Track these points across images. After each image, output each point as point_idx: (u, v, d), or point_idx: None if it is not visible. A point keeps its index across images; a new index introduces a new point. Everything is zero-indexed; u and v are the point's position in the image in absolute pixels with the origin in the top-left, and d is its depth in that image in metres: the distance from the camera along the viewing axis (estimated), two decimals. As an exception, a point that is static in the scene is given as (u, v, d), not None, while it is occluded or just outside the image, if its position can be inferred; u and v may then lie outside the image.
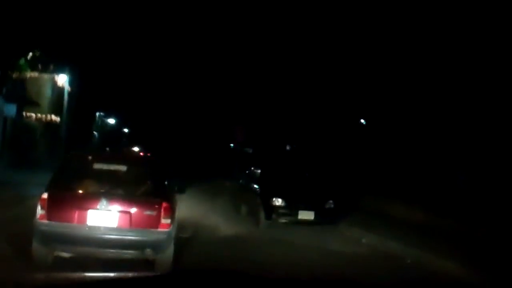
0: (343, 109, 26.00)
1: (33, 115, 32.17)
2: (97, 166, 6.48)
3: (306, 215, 11.35)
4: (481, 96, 16.98)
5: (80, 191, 6.34)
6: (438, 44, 18.98)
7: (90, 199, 6.07)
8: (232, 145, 44.20)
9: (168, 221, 5.97)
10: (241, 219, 13.13)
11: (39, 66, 32.94)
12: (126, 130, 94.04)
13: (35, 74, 32.71)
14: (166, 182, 6.77)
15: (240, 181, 14.19)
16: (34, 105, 29.71)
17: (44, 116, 32.64)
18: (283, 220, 11.58)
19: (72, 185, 6.37)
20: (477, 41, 17.16)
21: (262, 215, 11.55)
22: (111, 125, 67.64)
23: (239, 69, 32.83)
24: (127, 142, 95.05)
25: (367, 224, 12.20)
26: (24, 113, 31.39)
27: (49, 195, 5.93)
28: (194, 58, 38.41)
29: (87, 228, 5.89)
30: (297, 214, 11.36)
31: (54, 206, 5.89)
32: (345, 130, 25.87)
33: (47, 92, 33.59)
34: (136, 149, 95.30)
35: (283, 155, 16.27)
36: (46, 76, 33.36)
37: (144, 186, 6.50)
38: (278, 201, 11.48)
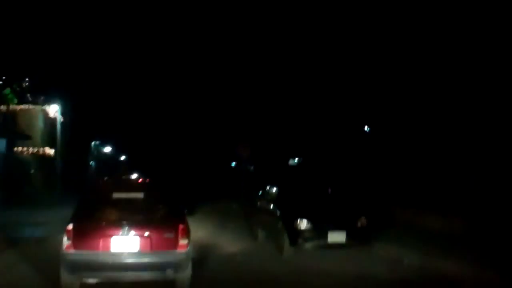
0: (347, 116, 25.18)
1: (25, 148, 30.78)
2: (115, 195, 6.86)
3: (336, 236, 9.89)
4: (486, 98, 16.29)
5: (102, 220, 6.63)
6: (446, 46, 18.36)
7: (112, 226, 6.40)
8: (233, 163, 42.15)
9: (186, 241, 6.42)
10: (259, 247, 11.56)
11: (29, 97, 31.71)
12: (122, 157, 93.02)
13: (25, 106, 31.44)
14: (179, 205, 7.18)
15: (255, 201, 12.64)
16: (26, 138, 28.27)
17: (37, 149, 31.24)
18: (310, 245, 10.04)
19: (94, 214, 6.69)
20: (487, 42, 16.44)
21: (286, 240, 10.05)
22: (107, 154, 66.28)
23: (238, 82, 32.23)
24: (124, 169, 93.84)
25: (404, 240, 10.85)
26: (15, 148, 30.03)
27: (73, 226, 6.26)
28: (190, 77, 39.25)
29: (111, 254, 6.25)
30: (326, 237, 9.87)
31: (79, 236, 6.20)
32: (351, 138, 24.92)
33: (39, 124, 32.25)
34: (134, 175, 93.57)
35: (297, 170, 14.60)
36: (36, 107, 32.07)
37: (160, 210, 6.93)
38: (304, 223, 9.99)
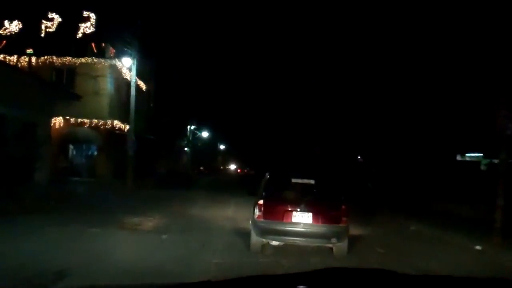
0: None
1: (86, 120, 21.52)
2: (294, 180, 8.50)
3: None
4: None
5: (285, 198, 8.18)
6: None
7: (293, 204, 7.93)
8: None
9: (346, 218, 7.88)
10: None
11: (93, 47, 22.37)
12: (222, 146, 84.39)
13: (87, 59, 22.15)
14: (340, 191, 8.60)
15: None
16: (74, 98, 18.72)
17: (102, 121, 21.84)
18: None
19: (278, 194, 8.30)
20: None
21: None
22: (205, 140, 57.38)
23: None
24: (223, 159, 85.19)
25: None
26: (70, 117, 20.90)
27: (264, 202, 7.88)
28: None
29: (291, 224, 7.75)
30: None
31: (267, 209, 7.83)
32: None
33: (107, 85, 22.72)
34: (233, 166, 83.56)
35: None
36: (104, 62, 22.54)
37: (327, 194, 8.38)
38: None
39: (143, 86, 27.15)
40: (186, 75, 39.66)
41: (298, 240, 7.76)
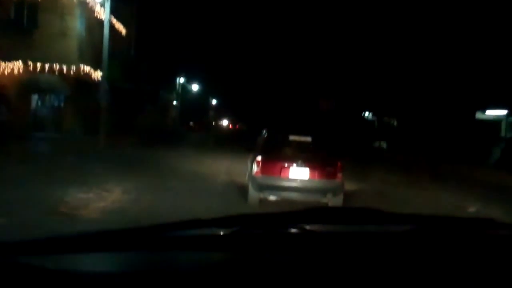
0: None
1: (48, 65, 18.30)
2: (291, 137, 8.68)
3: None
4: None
5: (283, 154, 8.41)
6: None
7: (290, 159, 8.10)
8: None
9: (341, 174, 8.04)
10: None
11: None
12: (214, 101, 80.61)
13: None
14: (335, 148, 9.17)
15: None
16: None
17: (72, 67, 18.66)
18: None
19: (276, 150, 8.49)
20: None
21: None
22: (195, 94, 53.95)
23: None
24: (215, 114, 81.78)
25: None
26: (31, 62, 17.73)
27: (261, 158, 7.99)
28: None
29: (288, 179, 8.00)
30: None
31: (265, 165, 7.96)
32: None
33: (76, 25, 19.43)
34: (225, 122, 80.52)
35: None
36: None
37: (324, 150, 8.66)
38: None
39: (122, 30, 23.79)
40: (174, 20, 35.91)
41: (295, 195, 8.03)
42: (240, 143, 15.13)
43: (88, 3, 19.32)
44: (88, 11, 19.62)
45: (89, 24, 19.97)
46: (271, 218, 1.63)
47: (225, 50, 57.35)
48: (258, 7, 45.10)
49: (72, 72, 18.53)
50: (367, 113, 32.96)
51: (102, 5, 18.70)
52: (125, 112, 23.45)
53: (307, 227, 1.60)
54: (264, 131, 9.00)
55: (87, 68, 18.86)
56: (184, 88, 50.24)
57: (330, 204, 7.83)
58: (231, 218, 1.52)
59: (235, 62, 56.13)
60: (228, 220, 1.53)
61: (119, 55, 21.98)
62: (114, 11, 19.34)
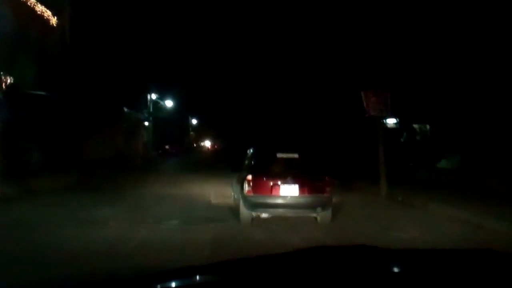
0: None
1: None
2: (279, 155, 8.83)
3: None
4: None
5: (272, 173, 8.49)
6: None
7: (280, 177, 8.25)
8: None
9: (329, 189, 8.32)
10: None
11: None
12: (194, 120, 72.18)
13: None
14: (322, 163, 9.30)
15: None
16: None
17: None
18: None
19: (266, 168, 8.63)
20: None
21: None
22: (170, 112, 45.69)
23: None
24: (195, 135, 73.49)
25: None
26: None
27: (252, 177, 8.19)
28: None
29: (279, 197, 8.14)
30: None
31: (256, 184, 8.17)
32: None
33: None
34: (207, 143, 71.85)
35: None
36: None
37: (311, 166, 8.82)
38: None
39: (49, 16, 16.20)
40: (137, 19, 28.14)
41: (286, 211, 8.27)
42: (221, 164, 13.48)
43: None
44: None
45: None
46: (266, 262, 1.64)
47: (204, 62, 49.35)
48: (239, 15, 37.63)
49: None
50: (389, 120, 26.09)
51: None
52: (61, 136, 15.74)
53: (304, 271, 1.58)
54: (250, 150, 9.46)
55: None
56: (157, 105, 42.43)
57: (319, 218, 8.36)
58: (225, 263, 1.56)
59: (215, 76, 48.35)
60: (222, 265, 1.56)
61: (44, 52, 14.43)
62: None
